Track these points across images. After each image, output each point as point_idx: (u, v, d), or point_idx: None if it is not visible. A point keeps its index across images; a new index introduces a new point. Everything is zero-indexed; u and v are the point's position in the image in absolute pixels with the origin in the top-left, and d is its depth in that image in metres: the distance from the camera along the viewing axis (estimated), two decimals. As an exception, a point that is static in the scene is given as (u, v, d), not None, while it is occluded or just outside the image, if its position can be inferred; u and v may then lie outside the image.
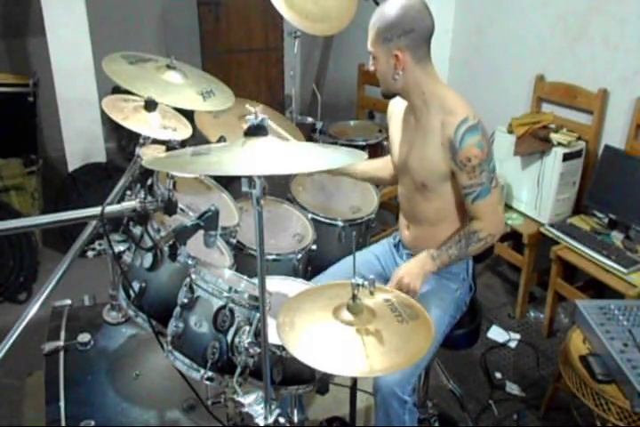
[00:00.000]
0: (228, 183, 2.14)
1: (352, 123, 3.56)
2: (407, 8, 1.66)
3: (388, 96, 1.83)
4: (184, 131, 1.93)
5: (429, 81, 1.73)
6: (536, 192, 2.85)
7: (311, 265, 2.14)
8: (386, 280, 1.91)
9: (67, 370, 1.81)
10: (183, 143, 1.81)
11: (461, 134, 1.65)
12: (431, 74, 1.74)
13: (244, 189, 1.18)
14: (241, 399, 1.37)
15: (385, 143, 3.36)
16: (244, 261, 1.92)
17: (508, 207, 2.99)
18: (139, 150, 1.82)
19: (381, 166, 2.12)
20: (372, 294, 1.34)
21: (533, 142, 2.81)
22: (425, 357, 1.72)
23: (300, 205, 2.25)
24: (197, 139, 1.96)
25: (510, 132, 2.91)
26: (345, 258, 2.02)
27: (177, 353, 1.48)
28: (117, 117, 1.80)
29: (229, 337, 1.45)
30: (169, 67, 1.94)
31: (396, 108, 1.92)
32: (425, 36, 1.70)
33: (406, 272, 1.75)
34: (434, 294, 1.84)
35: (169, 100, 1.86)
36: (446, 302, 1.85)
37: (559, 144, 2.73)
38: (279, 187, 2.29)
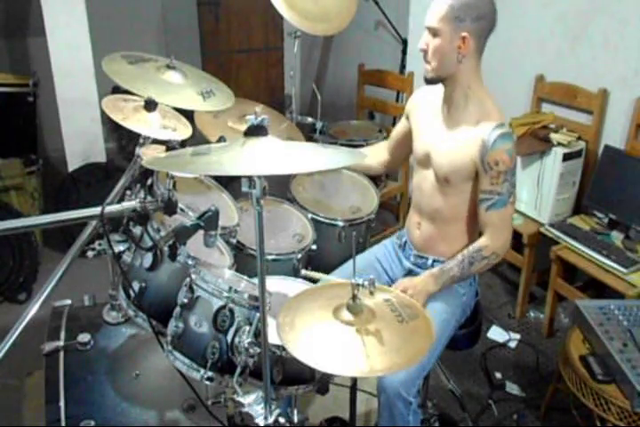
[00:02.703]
0: (228, 183, 2.13)
1: (352, 123, 3.56)
2: None
3: (434, 81, 1.73)
4: (184, 131, 1.92)
5: (477, 77, 1.72)
6: (536, 192, 2.85)
7: (311, 265, 2.14)
8: (387, 283, 1.91)
9: (67, 370, 1.81)
10: (183, 143, 1.81)
11: (495, 137, 1.64)
12: (479, 71, 1.72)
13: (244, 189, 1.18)
14: (241, 399, 1.37)
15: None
16: (244, 261, 1.92)
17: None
18: (139, 150, 1.82)
19: (371, 154, 2.11)
20: (371, 294, 1.34)
21: (533, 142, 2.81)
22: (430, 359, 1.72)
23: (300, 205, 2.24)
24: (197, 139, 1.96)
25: (510, 132, 2.91)
26: (346, 262, 2.02)
27: (177, 353, 1.48)
28: (117, 117, 1.80)
29: (229, 337, 1.45)
30: (169, 67, 1.94)
31: (423, 99, 1.89)
32: (489, 30, 1.67)
33: (411, 286, 1.75)
34: (442, 298, 1.82)
35: (169, 100, 1.86)
36: (453, 307, 1.84)
37: (559, 144, 2.73)
38: (279, 187, 2.28)
